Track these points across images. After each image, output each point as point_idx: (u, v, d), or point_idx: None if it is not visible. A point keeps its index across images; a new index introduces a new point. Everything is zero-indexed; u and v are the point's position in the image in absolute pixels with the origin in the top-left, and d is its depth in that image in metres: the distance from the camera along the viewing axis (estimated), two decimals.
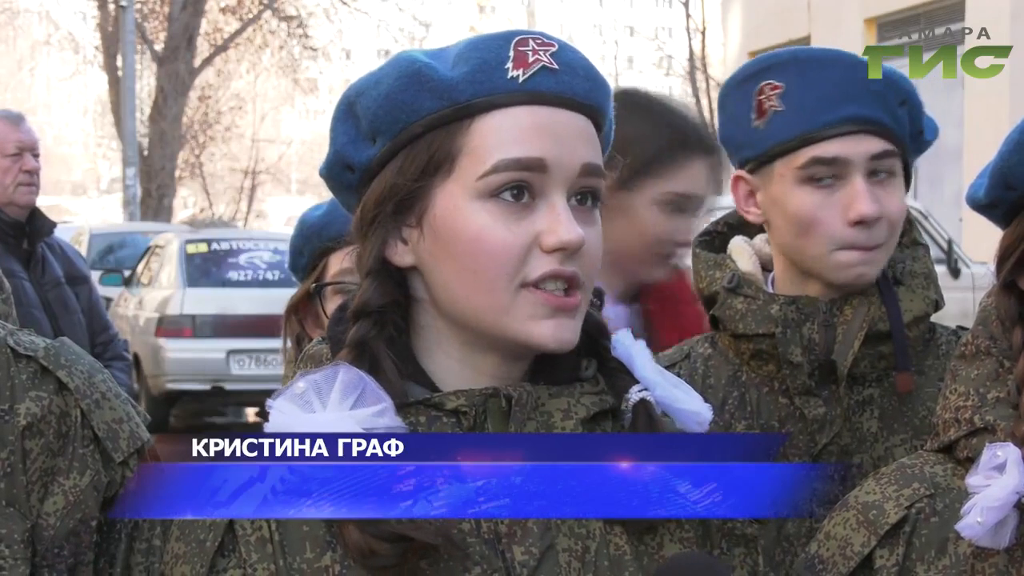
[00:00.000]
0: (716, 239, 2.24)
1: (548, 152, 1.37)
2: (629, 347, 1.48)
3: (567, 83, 1.39)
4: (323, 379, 1.35)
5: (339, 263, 2.45)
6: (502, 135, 1.37)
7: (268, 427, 1.33)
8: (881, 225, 1.98)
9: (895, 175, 2.01)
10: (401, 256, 1.42)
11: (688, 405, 1.46)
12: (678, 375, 2.12)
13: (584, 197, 1.40)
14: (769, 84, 2.03)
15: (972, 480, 1.50)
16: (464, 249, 1.37)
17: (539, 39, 1.41)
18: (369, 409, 1.34)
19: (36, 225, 4.72)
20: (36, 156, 4.71)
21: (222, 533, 1.36)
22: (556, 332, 1.37)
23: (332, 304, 2.42)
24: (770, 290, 2.12)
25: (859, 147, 1.98)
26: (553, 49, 1.40)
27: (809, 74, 2.00)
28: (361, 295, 1.42)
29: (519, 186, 1.36)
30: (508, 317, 1.37)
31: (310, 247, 2.54)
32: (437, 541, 1.30)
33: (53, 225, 4.84)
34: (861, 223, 1.97)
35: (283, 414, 1.34)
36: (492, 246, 1.36)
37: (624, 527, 1.39)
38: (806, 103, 1.99)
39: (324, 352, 1.43)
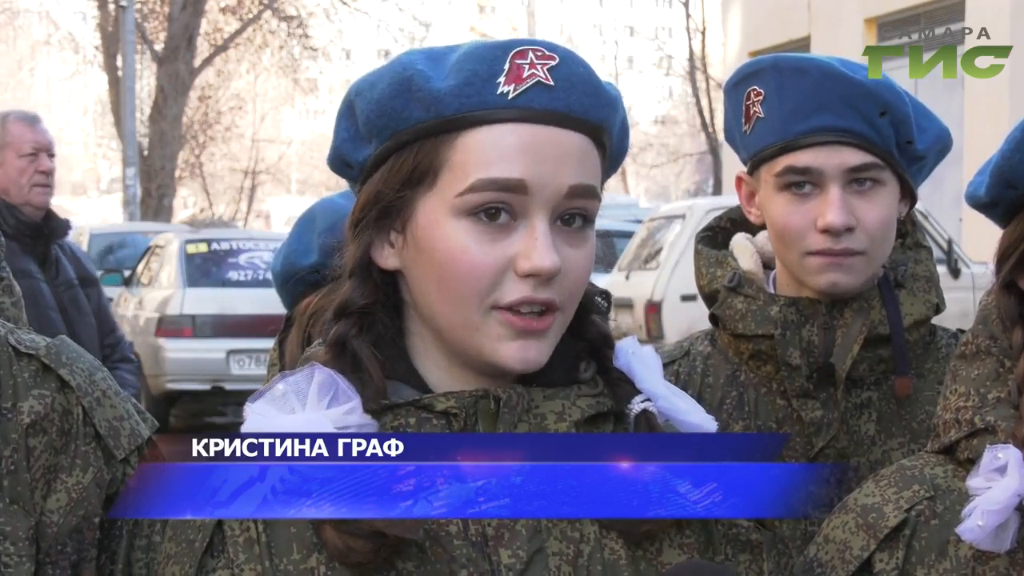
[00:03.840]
0: (719, 235, 2.24)
1: (530, 173, 1.33)
2: (631, 357, 1.46)
3: (562, 100, 1.35)
4: (302, 379, 1.36)
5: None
6: (484, 153, 1.34)
7: (244, 429, 1.33)
8: (857, 234, 1.98)
9: (882, 184, 2.00)
10: (386, 259, 1.42)
11: (691, 417, 1.45)
12: (677, 372, 2.13)
13: (572, 218, 1.37)
14: (754, 90, 2.04)
15: (973, 482, 1.48)
16: (439, 265, 1.35)
17: (540, 51, 1.36)
18: (341, 408, 1.34)
19: (52, 226, 4.69)
20: (52, 157, 4.69)
21: (210, 533, 1.36)
22: (521, 353, 1.35)
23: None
24: (771, 290, 2.11)
25: (834, 158, 1.97)
26: (552, 63, 1.36)
27: (786, 82, 2.00)
28: (343, 294, 1.42)
29: (497, 207, 1.34)
30: (478, 335, 1.36)
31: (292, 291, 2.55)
32: (414, 536, 1.30)
33: (69, 226, 4.83)
34: (828, 231, 1.97)
35: (260, 416, 1.34)
36: (465, 266, 1.34)
37: (621, 533, 1.38)
38: (783, 111, 1.99)
39: (318, 354, 1.43)
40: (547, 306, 1.35)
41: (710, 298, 2.14)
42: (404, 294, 1.43)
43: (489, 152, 1.34)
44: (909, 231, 2.15)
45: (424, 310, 1.40)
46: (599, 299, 1.48)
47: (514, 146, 1.34)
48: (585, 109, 1.37)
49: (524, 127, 1.34)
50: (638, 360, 1.46)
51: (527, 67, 1.35)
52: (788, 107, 1.99)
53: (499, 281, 1.34)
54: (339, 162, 1.46)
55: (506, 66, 1.35)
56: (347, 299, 1.41)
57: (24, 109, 4.99)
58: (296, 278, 2.54)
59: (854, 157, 1.97)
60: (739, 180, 2.13)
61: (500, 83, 1.35)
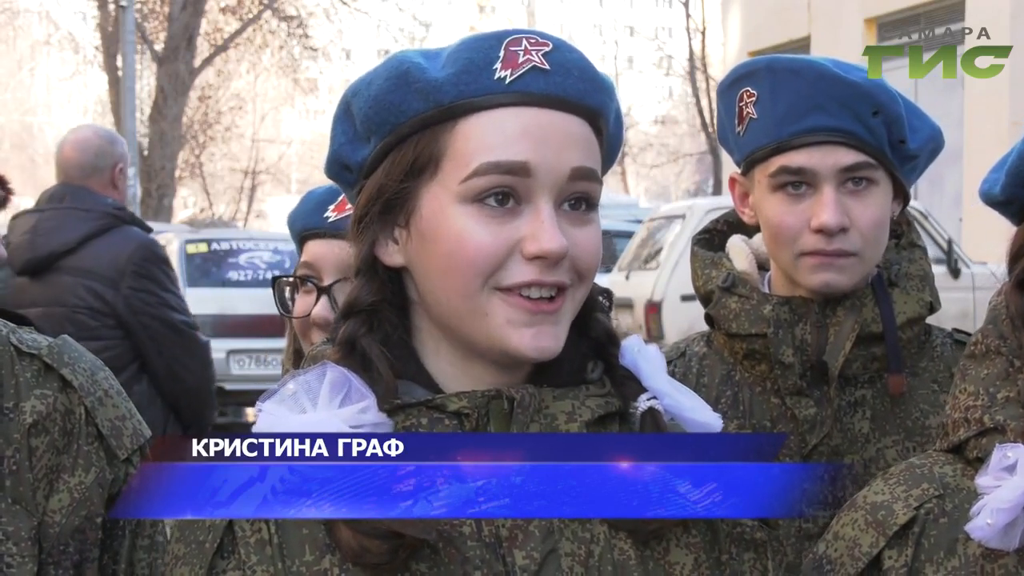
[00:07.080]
0: (715, 237, 2.25)
1: (533, 156, 1.34)
2: (636, 355, 1.46)
3: (559, 84, 1.36)
4: (313, 379, 1.36)
5: (306, 255, 2.44)
6: (485, 138, 1.35)
7: (256, 428, 1.33)
8: (851, 235, 1.99)
9: (875, 184, 2.01)
10: (391, 256, 1.42)
11: (697, 415, 1.45)
12: (673, 373, 2.13)
13: (576, 202, 1.37)
14: (747, 91, 2.06)
15: (982, 481, 1.49)
16: (444, 251, 1.35)
17: (533, 38, 1.38)
18: (355, 406, 1.34)
19: None
20: None
21: (221, 534, 1.36)
22: (535, 340, 1.35)
23: (301, 296, 2.41)
24: (766, 290, 2.12)
25: (828, 158, 1.98)
26: (546, 49, 1.37)
27: (779, 83, 2.01)
28: (351, 294, 1.42)
29: (502, 191, 1.34)
30: (486, 322, 1.35)
31: (295, 241, 2.56)
32: (429, 536, 1.30)
33: None
34: (822, 231, 1.97)
35: (271, 415, 1.34)
36: (471, 250, 1.34)
37: (630, 533, 1.38)
38: (776, 112, 2.00)
39: (326, 353, 1.43)
40: (557, 288, 1.35)
41: (705, 299, 2.15)
42: (410, 292, 1.43)
43: (491, 136, 1.35)
44: (904, 231, 2.16)
45: (432, 305, 1.40)
46: (601, 298, 1.48)
47: (515, 129, 1.35)
48: (581, 94, 1.38)
49: (524, 111, 1.35)
50: (644, 358, 1.47)
51: (522, 53, 1.37)
52: (782, 108, 2.00)
53: (504, 263, 1.34)
54: (337, 166, 1.47)
55: (501, 53, 1.37)
56: (355, 298, 1.41)
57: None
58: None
59: (848, 157, 1.98)
60: (732, 181, 2.14)
61: (496, 69, 1.36)
